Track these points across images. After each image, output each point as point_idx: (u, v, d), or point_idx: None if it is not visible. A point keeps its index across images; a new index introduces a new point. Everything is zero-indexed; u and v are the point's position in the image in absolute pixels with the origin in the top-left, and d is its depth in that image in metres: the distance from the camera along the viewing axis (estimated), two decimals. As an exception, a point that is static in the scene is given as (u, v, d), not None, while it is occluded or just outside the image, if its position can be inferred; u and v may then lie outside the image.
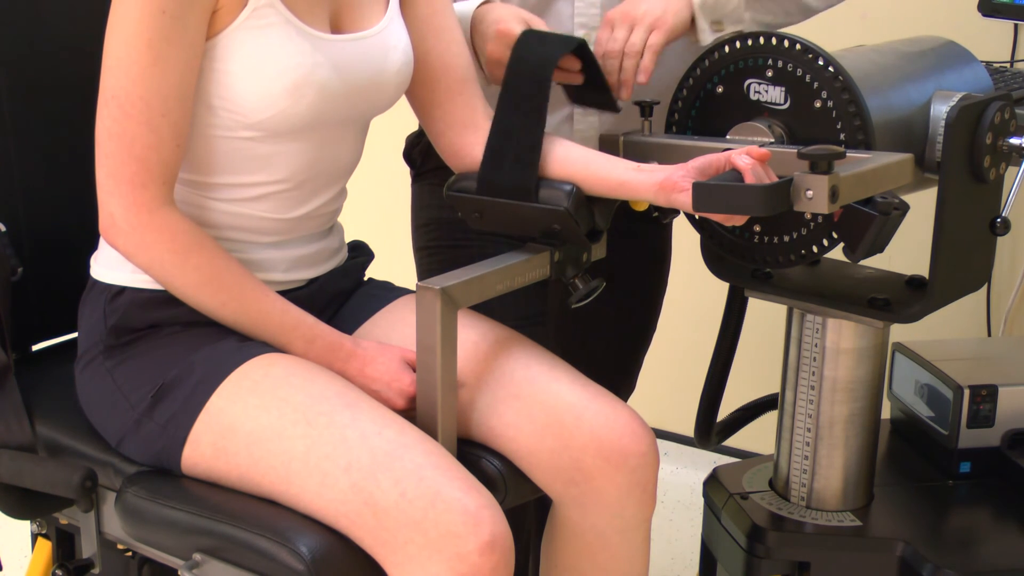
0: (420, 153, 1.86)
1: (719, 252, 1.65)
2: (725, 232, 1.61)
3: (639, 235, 1.91)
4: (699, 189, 1.34)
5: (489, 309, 1.59)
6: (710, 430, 1.86)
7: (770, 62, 1.54)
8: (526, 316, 1.76)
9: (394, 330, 1.56)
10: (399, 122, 1.82)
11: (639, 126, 1.65)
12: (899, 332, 1.81)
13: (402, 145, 1.93)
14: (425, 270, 1.88)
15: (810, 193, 1.33)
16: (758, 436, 2.10)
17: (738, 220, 1.44)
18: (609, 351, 2.01)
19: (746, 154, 1.37)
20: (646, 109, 1.63)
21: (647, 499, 1.51)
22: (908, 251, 1.85)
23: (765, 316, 1.96)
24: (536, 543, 1.65)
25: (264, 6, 1.39)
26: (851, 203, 1.47)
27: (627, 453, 1.47)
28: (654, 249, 2.01)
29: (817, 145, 1.37)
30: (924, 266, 1.58)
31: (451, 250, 1.83)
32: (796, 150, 1.37)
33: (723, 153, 1.40)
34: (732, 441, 1.96)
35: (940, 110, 1.56)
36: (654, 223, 1.77)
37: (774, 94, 1.54)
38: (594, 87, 1.61)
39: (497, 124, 1.53)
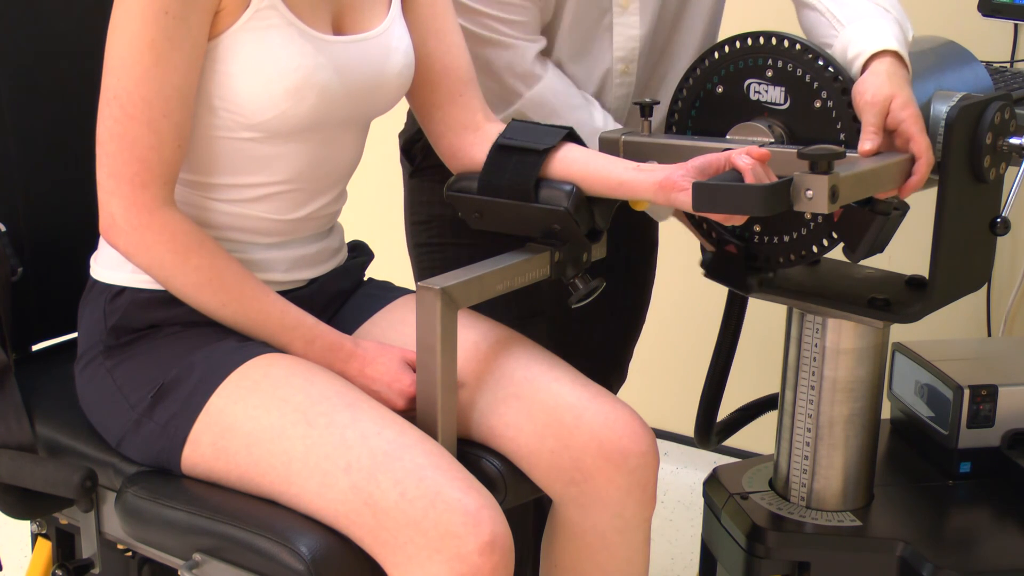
0: (421, 150, 1.86)
1: (719, 253, 1.65)
2: (725, 232, 1.61)
3: (628, 225, 1.91)
4: (699, 189, 1.34)
5: (481, 307, 1.59)
6: (710, 430, 1.86)
7: (770, 62, 1.54)
8: (520, 316, 1.76)
9: (394, 330, 1.56)
10: (400, 122, 1.82)
11: (639, 126, 1.65)
12: (899, 332, 1.81)
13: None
14: (425, 267, 1.88)
15: (810, 193, 1.33)
16: (758, 436, 2.10)
17: (737, 220, 1.44)
18: (601, 341, 2.01)
19: (746, 154, 1.37)
20: (646, 109, 1.63)
21: (647, 499, 1.51)
22: (908, 251, 1.85)
23: (765, 316, 1.96)
24: (536, 543, 1.65)
25: (266, 7, 1.39)
26: (851, 203, 1.47)
27: (627, 453, 1.47)
28: (643, 238, 2.01)
29: (817, 145, 1.37)
30: (924, 266, 1.58)
31: (453, 248, 1.83)
32: (796, 150, 1.37)
33: (723, 153, 1.40)
34: (732, 441, 1.96)
35: (940, 110, 1.56)
36: (642, 213, 1.77)
37: (774, 94, 1.54)
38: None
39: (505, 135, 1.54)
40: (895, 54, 1.51)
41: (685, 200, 1.38)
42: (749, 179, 1.35)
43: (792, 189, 1.34)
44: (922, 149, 1.46)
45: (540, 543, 1.62)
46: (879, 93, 1.46)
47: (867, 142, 1.46)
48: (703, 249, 1.70)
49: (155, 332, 1.46)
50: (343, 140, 1.52)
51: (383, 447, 1.32)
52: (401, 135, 1.91)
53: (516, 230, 1.54)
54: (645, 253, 2.03)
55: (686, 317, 2.62)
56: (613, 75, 1.76)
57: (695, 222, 1.68)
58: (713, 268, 1.64)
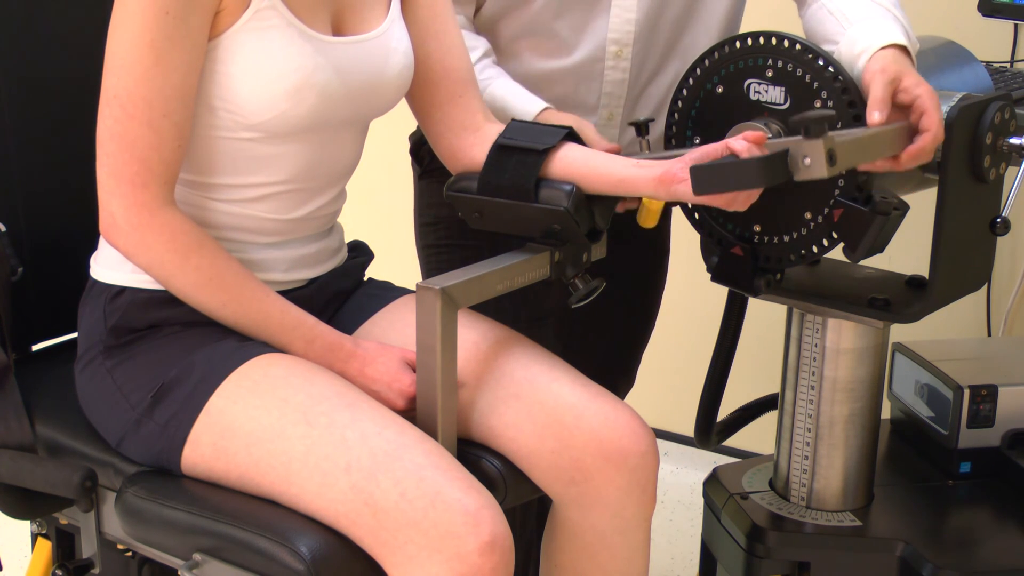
0: (429, 151, 1.85)
1: (720, 256, 1.65)
2: (726, 232, 1.61)
3: (639, 231, 1.91)
4: (697, 172, 1.34)
5: (490, 310, 1.59)
6: (710, 430, 1.86)
7: (770, 62, 1.54)
8: (528, 318, 1.76)
9: (394, 330, 1.56)
10: (400, 122, 1.82)
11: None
12: (899, 332, 1.81)
13: (402, 145, 1.92)
14: (434, 268, 1.88)
15: (808, 160, 1.31)
16: (758, 436, 2.10)
17: (740, 204, 1.42)
18: (609, 347, 2.01)
19: (742, 138, 1.38)
20: (641, 128, 1.62)
21: (647, 499, 1.51)
22: (908, 251, 1.85)
23: (765, 316, 1.96)
24: (536, 543, 1.65)
25: (266, 8, 1.39)
26: (851, 203, 1.47)
27: (627, 453, 1.47)
28: (654, 244, 2.01)
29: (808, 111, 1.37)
30: (924, 266, 1.58)
31: (461, 249, 1.83)
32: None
33: (720, 143, 1.41)
34: (732, 441, 1.96)
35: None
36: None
37: (774, 94, 1.54)
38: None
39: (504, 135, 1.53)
40: (902, 47, 1.51)
41: (686, 191, 1.38)
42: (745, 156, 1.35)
43: (790, 160, 1.33)
44: (933, 123, 1.46)
45: (540, 543, 1.62)
46: (889, 67, 1.47)
47: (875, 112, 1.45)
48: (704, 252, 1.70)
49: (155, 332, 1.46)
50: (342, 140, 1.52)
51: (383, 447, 1.32)
52: (411, 137, 1.91)
53: (516, 230, 1.54)
54: (656, 260, 2.03)
55: (686, 317, 2.62)
56: (607, 56, 1.76)
57: (698, 225, 1.67)
58: (719, 271, 1.64)
